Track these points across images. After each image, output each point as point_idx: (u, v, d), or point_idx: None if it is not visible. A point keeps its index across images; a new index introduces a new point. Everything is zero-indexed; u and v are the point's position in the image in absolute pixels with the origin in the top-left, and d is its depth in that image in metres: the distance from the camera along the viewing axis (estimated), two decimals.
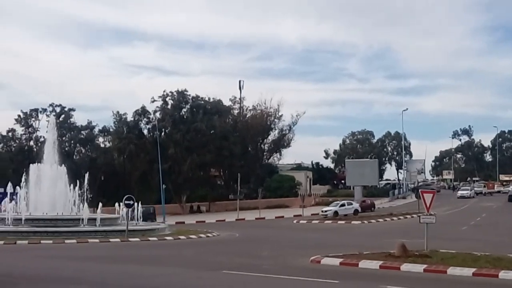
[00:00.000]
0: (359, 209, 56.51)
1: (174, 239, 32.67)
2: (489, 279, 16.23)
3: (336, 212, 53.72)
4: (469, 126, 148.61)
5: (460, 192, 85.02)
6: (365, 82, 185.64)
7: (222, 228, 41.57)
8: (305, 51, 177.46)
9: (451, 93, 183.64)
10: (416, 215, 33.17)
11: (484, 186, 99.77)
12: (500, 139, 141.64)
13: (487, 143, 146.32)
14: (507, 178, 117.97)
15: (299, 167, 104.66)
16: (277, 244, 29.14)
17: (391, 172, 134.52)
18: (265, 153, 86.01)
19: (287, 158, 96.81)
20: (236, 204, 66.52)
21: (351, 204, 57.20)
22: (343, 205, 55.75)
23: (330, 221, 48.00)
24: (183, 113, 72.91)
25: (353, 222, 45.98)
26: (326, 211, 54.09)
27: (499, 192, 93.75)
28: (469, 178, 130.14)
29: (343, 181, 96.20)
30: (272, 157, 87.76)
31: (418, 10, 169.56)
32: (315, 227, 43.83)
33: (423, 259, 18.60)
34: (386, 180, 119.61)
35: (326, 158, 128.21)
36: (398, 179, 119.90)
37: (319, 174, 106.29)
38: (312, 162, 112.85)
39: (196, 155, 68.01)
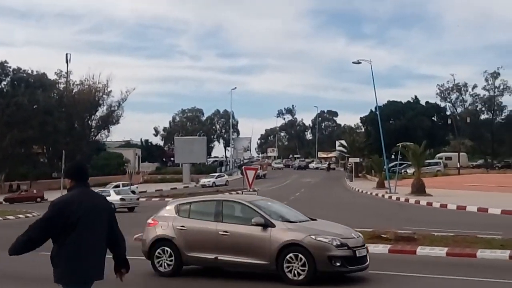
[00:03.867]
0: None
1: None
2: None
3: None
4: (293, 105, 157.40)
5: (203, 180, 68.10)
6: (197, 60, 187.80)
7: (44, 208, 39.86)
8: (138, 26, 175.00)
9: (278, 74, 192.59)
10: (240, 191, 34.55)
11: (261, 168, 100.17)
12: (320, 119, 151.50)
13: (308, 122, 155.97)
14: (324, 155, 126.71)
15: (127, 145, 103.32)
16: None
17: (219, 150, 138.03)
18: (92, 130, 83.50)
19: (116, 135, 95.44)
20: (60, 182, 64.10)
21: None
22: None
23: (157, 199, 47.83)
24: (3, 86, 68.61)
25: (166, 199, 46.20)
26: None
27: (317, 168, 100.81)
28: (291, 155, 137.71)
29: (172, 159, 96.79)
30: (100, 134, 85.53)
31: None
32: (152, 204, 43.55)
33: None
34: (214, 157, 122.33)
35: (155, 135, 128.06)
36: (226, 157, 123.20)
37: (148, 151, 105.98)
38: (141, 139, 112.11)
39: (17, 131, 64.22)
